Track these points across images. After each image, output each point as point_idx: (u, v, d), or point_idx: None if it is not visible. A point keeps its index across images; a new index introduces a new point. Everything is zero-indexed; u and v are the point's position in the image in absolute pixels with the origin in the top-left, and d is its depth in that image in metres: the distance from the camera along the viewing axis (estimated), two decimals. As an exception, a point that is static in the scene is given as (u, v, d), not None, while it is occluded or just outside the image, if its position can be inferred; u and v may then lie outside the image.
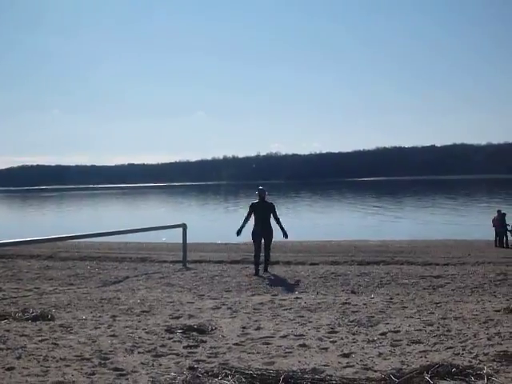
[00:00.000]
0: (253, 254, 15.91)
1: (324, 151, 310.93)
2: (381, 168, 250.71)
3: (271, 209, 15.84)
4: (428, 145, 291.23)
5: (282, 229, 15.72)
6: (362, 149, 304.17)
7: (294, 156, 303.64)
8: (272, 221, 15.85)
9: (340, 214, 61.17)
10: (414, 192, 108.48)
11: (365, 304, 10.16)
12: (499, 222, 29.49)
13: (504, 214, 30.02)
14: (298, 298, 11.03)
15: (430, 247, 25.66)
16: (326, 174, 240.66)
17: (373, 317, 8.97)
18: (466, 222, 44.50)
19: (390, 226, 44.02)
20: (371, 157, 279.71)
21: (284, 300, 10.77)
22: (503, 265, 16.21)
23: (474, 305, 9.81)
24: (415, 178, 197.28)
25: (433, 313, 9.18)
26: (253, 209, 15.78)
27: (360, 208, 67.40)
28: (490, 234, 29.80)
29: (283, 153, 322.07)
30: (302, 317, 9.11)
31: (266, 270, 15.65)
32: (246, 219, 15.78)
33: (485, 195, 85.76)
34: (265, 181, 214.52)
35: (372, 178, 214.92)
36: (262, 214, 15.71)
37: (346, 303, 10.27)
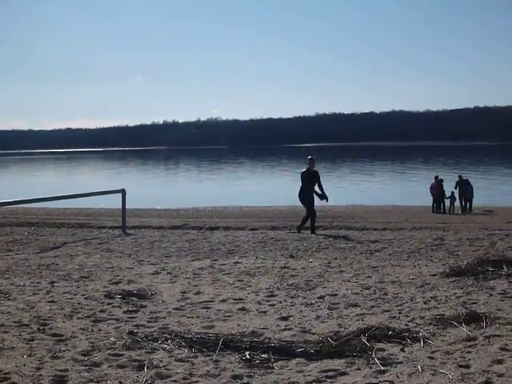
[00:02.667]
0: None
1: (265, 117, 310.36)
2: (321, 134, 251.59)
3: (317, 177, 17.76)
4: (367, 111, 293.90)
5: (323, 193, 17.77)
6: (301, 115, 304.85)
7: (235, 121, 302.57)
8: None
9: (280, 179, 61.38)
10: (352, 158, 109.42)
11: (303, 268, 10.29)
12: (437, 189, 30.04)
13: (441, 180, 30.62)
14: (237, 262, 11.10)
15: (368, 212, 26.05)
16: (266, 140, 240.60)
17: (311, 280, 9.10)
18: (404, 188, 45.19)
19: (329, 191, 44.30)
20: (311, 123, 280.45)
21: (224, 265, 10.82)
22: (440, 230, 16.52)
23: (411, 269, 10.01)
24: (354, 144, 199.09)
25: (370, 277, 9.35)
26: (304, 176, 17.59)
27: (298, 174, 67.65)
28: (427, 200, 30.38)
29: (224, 118, 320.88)
30: (242, 281, 9.20)
31: (311, 231, 16.61)
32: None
33: (422, 162, 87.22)
34: (205, 146, 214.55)
35: (312, 144, 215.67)
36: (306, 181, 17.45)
37: (284, 267, 10.37)
